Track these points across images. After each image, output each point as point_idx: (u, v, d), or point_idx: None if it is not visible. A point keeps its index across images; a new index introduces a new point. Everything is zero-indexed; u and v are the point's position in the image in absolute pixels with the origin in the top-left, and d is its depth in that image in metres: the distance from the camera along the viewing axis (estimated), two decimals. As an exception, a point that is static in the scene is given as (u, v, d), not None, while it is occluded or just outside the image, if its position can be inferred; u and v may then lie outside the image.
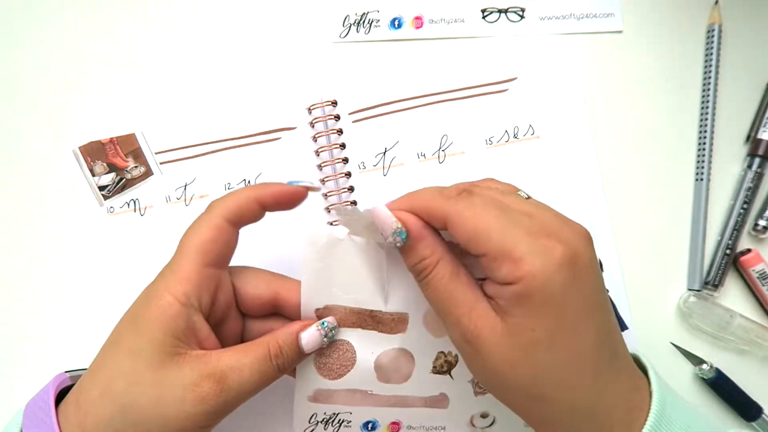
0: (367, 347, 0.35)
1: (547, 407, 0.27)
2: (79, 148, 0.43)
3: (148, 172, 0.43)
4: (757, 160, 0.42)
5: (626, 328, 0.41)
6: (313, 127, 0.43)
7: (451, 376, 0.36)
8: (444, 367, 0.36)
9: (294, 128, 0.43)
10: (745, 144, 0.43)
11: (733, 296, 0.42)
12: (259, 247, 0.41)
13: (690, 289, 0.42)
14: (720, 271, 0.41)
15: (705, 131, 0.43)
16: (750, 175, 0.42)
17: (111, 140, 0.43)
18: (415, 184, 0.42)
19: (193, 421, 0.29)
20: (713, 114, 0.43)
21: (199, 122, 0.43)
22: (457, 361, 0.36)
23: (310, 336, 0.32)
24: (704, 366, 0.40)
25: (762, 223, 0.42)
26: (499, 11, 0.45)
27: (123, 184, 0.43)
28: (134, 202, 0.43)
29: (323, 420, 0.36)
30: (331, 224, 0.42)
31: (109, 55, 0.44)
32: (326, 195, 0.42)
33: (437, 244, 0.30)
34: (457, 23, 0.45)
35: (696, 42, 0.44)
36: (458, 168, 0.43)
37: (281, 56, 0.44)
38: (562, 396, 0.27)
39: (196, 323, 0.30)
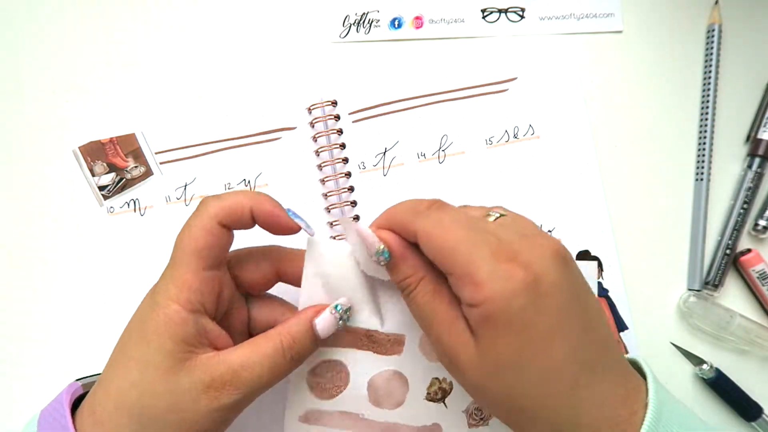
0: (362, 368, 0.34)
1: (528, 419, 0.28)
2: (79, 148, 0.43)
3: (148, 172, 0.43)
4: (757, 160, 0.42)
5: (626, 328, 0.41)
6: (313, 127, 0.43)
7: (445, 405, 0.35)
8: (438, 394, 0.35)
9: (294, 128, 0.43)
10: (745, 144, 0.43)
11: (733, 296, 0.42)
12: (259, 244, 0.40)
13: (690, 289, 0.42)
14: (720, 271, 0.41)
15: (705, 131, 0.43)
16: (750, 175, 0.42)
17: (111, 140, 0.43)
18: (415, 184, 0.42)
19: (211, 421, 0.29)
20: (713, 114, 0.43)
21: (199, 122, 0.43)
22: (451, 389, 0.35)
23: (324, 321, 0.32)
24: (704, 366, 0.40)
25: (762, 223, 0.42)
26: (499, 11, 0.45)
27: (123, 184, 0.43)
28: (134, 202, 0.43)
29: None
30: (331, 224, 0.42)
31: (109, 55, 0.44)
32: (326, 195, 0.42)
33: (419, 263, 0.30)
34: (457, 23, 0.45)
35: (696, 42, 0.44)
36: (458, 168, 0.43)
37: (281, 56, 0.44)
38: (541, 411, 0.27)
39: (206, 326, 0.30)
